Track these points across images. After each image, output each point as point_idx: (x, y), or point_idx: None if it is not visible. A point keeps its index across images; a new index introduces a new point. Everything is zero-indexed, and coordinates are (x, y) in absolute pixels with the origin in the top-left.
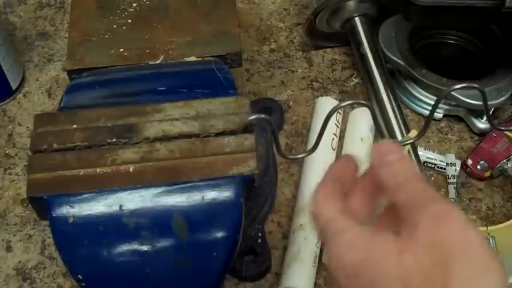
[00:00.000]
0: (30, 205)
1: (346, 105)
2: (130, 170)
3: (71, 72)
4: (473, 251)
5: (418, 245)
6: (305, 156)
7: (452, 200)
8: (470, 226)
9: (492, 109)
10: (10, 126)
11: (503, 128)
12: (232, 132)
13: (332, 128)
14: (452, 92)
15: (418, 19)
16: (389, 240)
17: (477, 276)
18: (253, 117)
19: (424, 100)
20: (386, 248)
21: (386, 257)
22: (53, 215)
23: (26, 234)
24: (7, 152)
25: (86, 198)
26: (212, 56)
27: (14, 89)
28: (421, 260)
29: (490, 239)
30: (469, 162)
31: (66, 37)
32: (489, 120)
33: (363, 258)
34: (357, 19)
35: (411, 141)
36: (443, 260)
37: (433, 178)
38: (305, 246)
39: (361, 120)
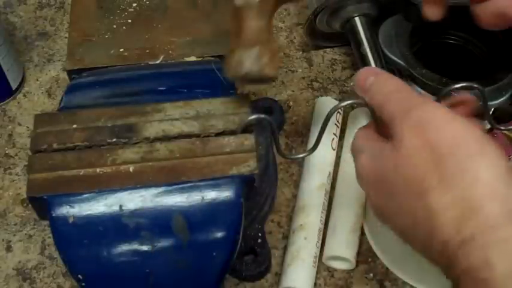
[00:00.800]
0: (30, 205)
1: (346, 105)
2: (131, 170)
3: (71, 72)
4: (460, 140)
5: (408, 154)
6: (305, 156)
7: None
8: (452, 120)
9: (492, 109)
10: (10, 126)
11: (502, 128)
12: (232, 132)
13: (332, 128)
14: (451, 92)
15: (418, 19)
16: (387, 160)
17: (468, 159)
18: (253, 117)
19: None
20: (386, 170)
21: (388, 178)
22: (53, 215)
23: (26, 234)
24: (7, 152)
25: (86, 198)
26: (212, 56)
27: (14, 89)
28: (415, 167)
29: None
30: None
31: (66, 37)
32: (489, 120)
33: (377, 168)
34: (357, 19)
35: None
36: (434, 159)
37: None
38: (305, 246)
39: (361, 120)
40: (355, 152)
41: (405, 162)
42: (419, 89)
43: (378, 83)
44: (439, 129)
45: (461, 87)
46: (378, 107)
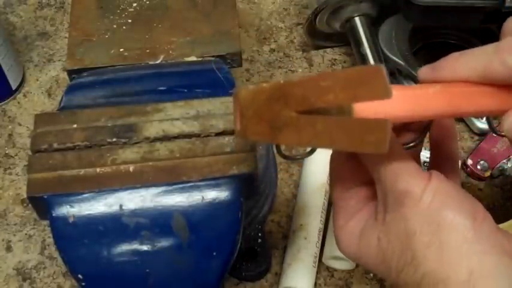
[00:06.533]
0: (30, 205)
1: None
2: (131, 169)
3: (71, 72)
4: (428, 216)
5: (389, 228)
6: (305, 157)
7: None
8: (425, 194)
9: None
10: (10, 126)
11: (503, 134)
12: (233, 132)
13: None
14: None
15: (418, 19)
16: (371, 230)
17: (437, 232)
18: None
19: None
20: (369, 239)
21: (370, 248)
22: (53, 215)
23: (26, 234)
24: (7, 152)
25: (86, 198)
26: (212, 56)
27: (14, 89)
28: (392, 243)
29: None
30: (469, 162)
31: (66, 37)
32: (489, 124)
33: (356, 252)
34: (357, 19)
35: (413, 143)
36: (407, 236)
37: None
38: (305, 246)
39: None
40: (337, 211)
41: (385, 235)
42: None
43: None
44: (411, 205)
45: None
46: (368, 161)
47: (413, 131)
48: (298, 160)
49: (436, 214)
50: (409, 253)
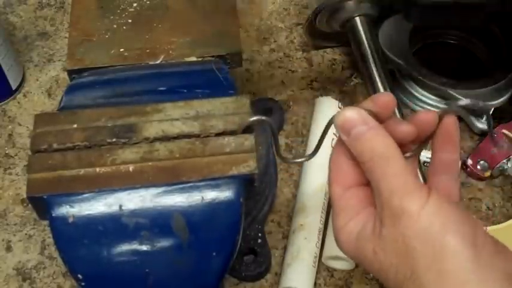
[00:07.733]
0: (30, 205)
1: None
2: (130, 169)
3: (71, 72)
4: (429, 237)
5: (385, 242)
6: (305, 161)
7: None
8: (424, 212)
9: (492, 109)
10: (10, 126)
11: (504, 132)
12: (232, 133)
13: (332, 127)
14: (452, 93)
15: (419, 19)
16: (366, 241)
17: (438, 257)
18: (253, 118)
19: (424, 100)
20: (365, 250)
21: (367, 257)
22: (53, 215)
23: (26, 234)
24: (7, 152)
25: (86, 198)
26: (212, 56)
27: (14, 89)
28: (390, 257)
29: None
30: (469, 162)
31: (66, 37)
32: (489, 124)
33: (355, 254)
34: (357, 19)
35: (413, 153)
36: (407, 252)
37: None
38: (305, 246)
39: None
40: (337, 211)
41: (381, 249)
42: (419, 89)
43: (371, 140)
44: (411, 222)
45: (466, 104)
46: (362, 166)
47: (413, 142)
48: (297, 163)
49: (437, 237)
50: (408, 269)
